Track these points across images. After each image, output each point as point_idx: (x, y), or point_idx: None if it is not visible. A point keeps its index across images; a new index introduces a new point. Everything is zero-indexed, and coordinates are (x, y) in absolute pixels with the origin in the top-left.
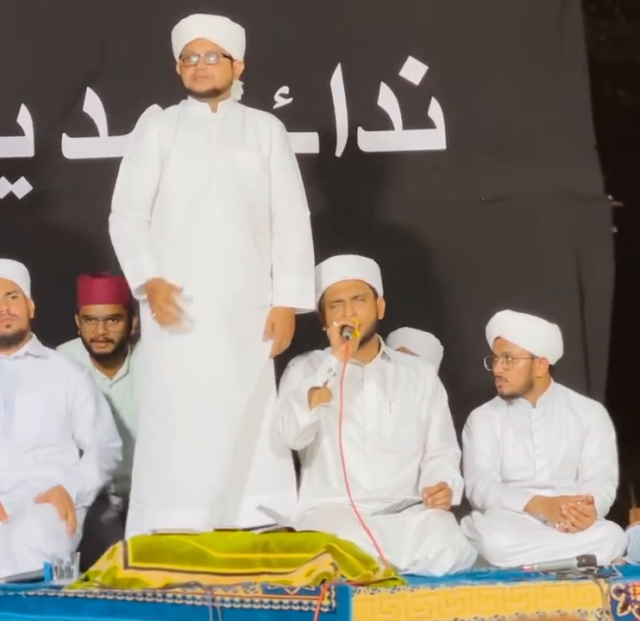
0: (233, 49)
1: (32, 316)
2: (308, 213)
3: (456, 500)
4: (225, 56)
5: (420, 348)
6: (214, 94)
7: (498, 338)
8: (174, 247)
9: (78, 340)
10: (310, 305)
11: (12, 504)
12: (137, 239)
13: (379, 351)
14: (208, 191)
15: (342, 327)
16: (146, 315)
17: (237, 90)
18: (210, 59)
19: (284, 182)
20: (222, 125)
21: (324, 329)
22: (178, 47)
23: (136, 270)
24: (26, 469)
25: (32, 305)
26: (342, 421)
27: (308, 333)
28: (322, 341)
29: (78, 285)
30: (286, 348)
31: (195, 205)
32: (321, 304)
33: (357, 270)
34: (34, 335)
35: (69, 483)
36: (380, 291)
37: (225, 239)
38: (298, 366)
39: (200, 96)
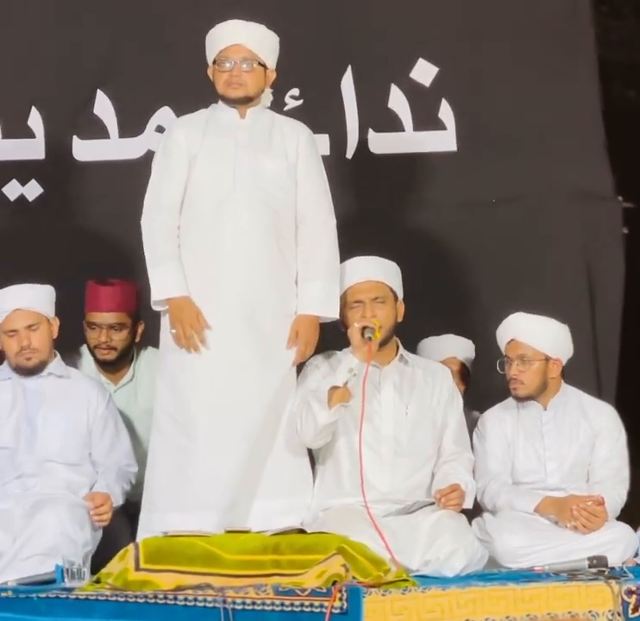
0: (267, 57)
1: (56, 335)
2: (334, 221)
3: (468, 503)
4: (259, 64)
5: (467, 353)
6: (246, 101)
7: (512, 340)
8: (199, 252)
9: (85, 345)
10: (334, 313)
11: (32, 496)
12: (167, 247)
13: (396, 354)
14: (232, 197)
15: (363, 328)
16: (165, 324)
17: (267, 97)
18: (244, 66)
19: (310, 189)
20: (250, 132)
21: (343, 329)
22: (212, 51)
23: (163, 281)
24: (50, 473)
25: (56, 325)
26: (362, 425)
27: (331, 341)
28: (345, 348)
29: (86, 292)
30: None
31: (220, 211)
32: (340, 305)
33: (378, 272)
34: (57, 354)
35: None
36: (401, 294)
37: (250, 245)
38: (316, 366)
39: (232, 102)
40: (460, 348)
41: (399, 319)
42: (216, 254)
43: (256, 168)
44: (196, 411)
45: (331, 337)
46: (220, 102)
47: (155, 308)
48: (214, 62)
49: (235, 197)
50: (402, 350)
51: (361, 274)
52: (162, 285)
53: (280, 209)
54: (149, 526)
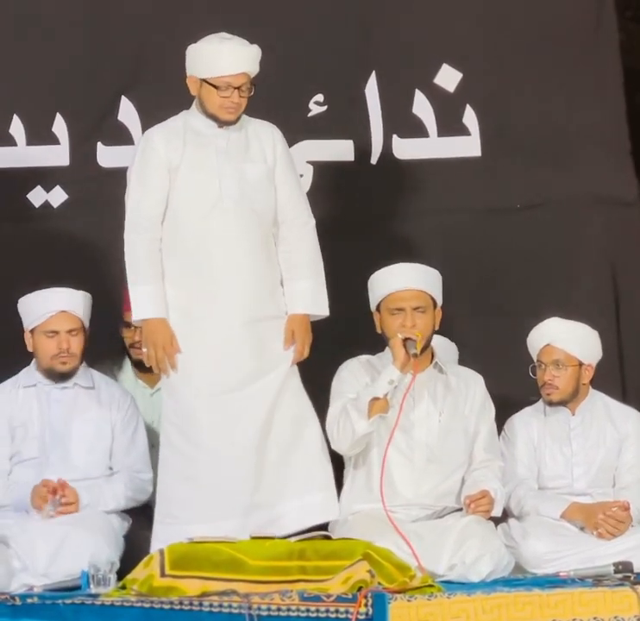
0: (256, 72)
1: (85, 345)
2: (313, 221)
3: (497, 511)
4: (252, 84)
5: (448, 356)
6: (236, 122)
7: (547, 345)
8: (188, 262)
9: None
10: (324, 311)
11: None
12: (148, 266)
13: (431, 361)
14: (219, 204)
15: (405, 340)
16: None
17: None
18: (244, 92)
19: (289, 192)
20: (228, 138)
21: (379, 330)
22: (209, 72)
23: (141, 301)
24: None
25: (87, 334)
26: (394, 430)
27: (323, 338)
28: (339, 345)
29: (123, 292)
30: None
31: (208, 220)
32: (379, 308)
33: (422, 280)
34: (84, 363)
35: (88, 492)
36: (440, 301)
37: (239, 252)
38: (350, 371)
39: (223, 123)
40: (440, 349)
41: (437, 327)
42: (208, 264)
43: (239, 174)
44: (201, 420)
45: (325, 338)
46: (193, 108)
47: (135, 323)
48: (209, 81)
49: (223, 205)
50: (437, 358)
51: (404, 282)
52: (140, 306)
53: (263, 212)
54: (167, 538)
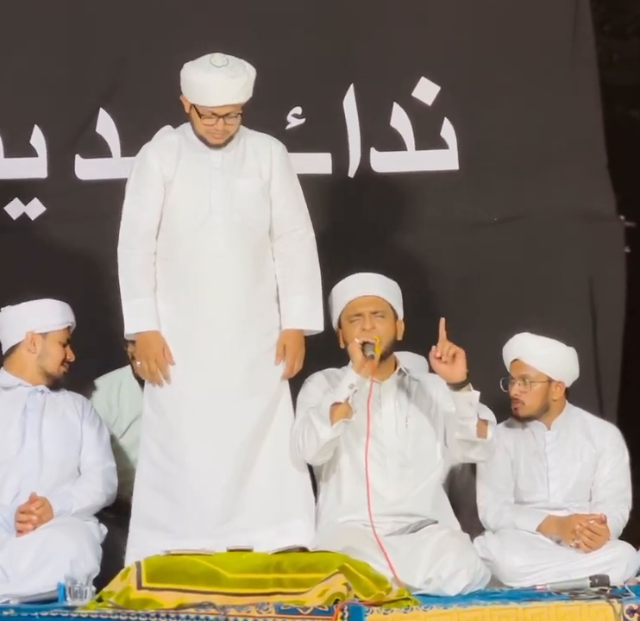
0: (247, 99)
1: None
2: (312, 234)
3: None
4: (242, 108)
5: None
6: (226, 144)
7: (515, 360)
8: (180, 277)
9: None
10: (318, 326)
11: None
12: (142, 279)
13: (395, 368)
14: (210, 220)
15: (364, 344)
16: None
17: None
18: (231, 119)
19: (285, 205)
20: (224, 154)
21: (343, 344)
22: (195, 99)
23: (134, 314)
24: (49, 492)
25: None
26: (362, 437)
27: (317, 354)
28: (332, 362)
29: None
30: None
31: (198, 235)
32: (340, 321)
33: (378, 287)
34: None
35: (58, 499)
36: (401, 313)
37: (229, 267)
38: (315, 383)
39: (214, 147)
40: (411, 366)
41: (399, 337)
42: (198, 278)
43: (232, 190)
44: (185, 436)
45: (320, 354)
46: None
47: (127, 338)
48: (196, 107)
49: (213, 220)
50: (401, 364)
51: (361, 289)
52: (133, 319)
53: (256, 227)
54: (140, 552)
